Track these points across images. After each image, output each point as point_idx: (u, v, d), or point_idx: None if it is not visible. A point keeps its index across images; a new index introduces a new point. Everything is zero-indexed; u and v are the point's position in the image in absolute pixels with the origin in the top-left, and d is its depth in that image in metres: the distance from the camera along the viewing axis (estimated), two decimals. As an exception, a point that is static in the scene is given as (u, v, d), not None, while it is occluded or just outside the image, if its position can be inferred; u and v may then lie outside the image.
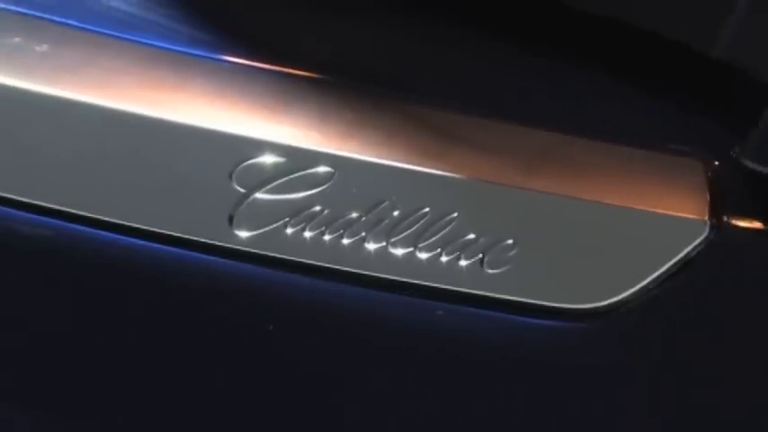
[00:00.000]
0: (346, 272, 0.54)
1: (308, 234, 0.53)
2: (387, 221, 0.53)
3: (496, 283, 0.53)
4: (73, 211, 0.57)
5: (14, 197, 0.58)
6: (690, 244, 0.52)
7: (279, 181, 0.54)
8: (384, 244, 0.53)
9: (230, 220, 0.54)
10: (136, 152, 0.56)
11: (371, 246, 0.53)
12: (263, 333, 0.59)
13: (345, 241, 0.54)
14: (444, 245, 0.53)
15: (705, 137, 0.54)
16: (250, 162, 0.54)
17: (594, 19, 0.59)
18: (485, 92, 0.57)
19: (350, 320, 0.57)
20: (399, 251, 0.53)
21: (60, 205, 0.57)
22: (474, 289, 0.53)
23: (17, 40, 0.57)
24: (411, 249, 0.53)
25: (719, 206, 0.52)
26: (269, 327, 0.58)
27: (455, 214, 0.53)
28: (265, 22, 0.60)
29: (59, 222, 0.58)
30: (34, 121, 0.57)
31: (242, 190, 0.53)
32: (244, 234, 0.54)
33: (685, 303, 0.54)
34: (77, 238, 0.59)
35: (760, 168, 0.51)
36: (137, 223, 0.56)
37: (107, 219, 0.57)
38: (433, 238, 0.53)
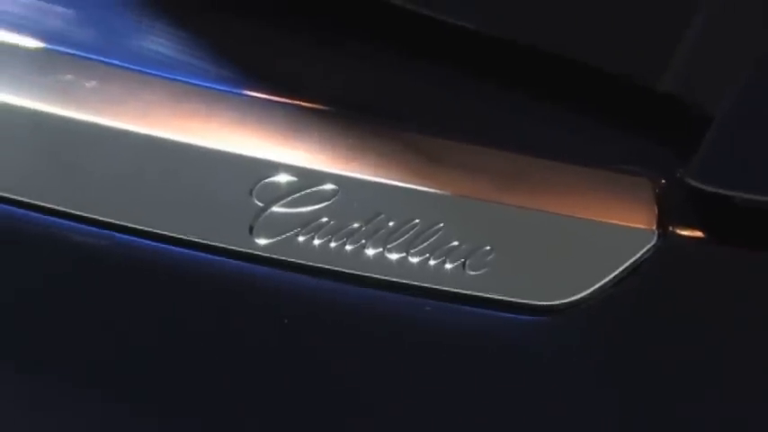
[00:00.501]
0: (349, 273, 0.57)
1: (316, 242, 0.56)
2: (383, 231, 0.56)
3: (477, 283, 0.56)
4: (119, 222, 0.60)
5: (70, 210, 0.61)
6: (640, 250, 0.56)
7: (292, 197, 0.57)
8: (381, 250, 0.56)
9: (250, 229, 0.57)
10: (171, 172, 0.59)
11: (370, 251, 0.56)
12: (278, 326, 0.61)
13: (348, 248, 0.56)
14: (432, 251, 0.56)
15: (655, 159, 0.57)
16: (267, 180, 0.57)
17: (563, 61, 0.61)
18: (465, 121, 0.60)
19: (351, 315, 0.60)
20: (394, 256, 0.56)
21: (108, 218, 0.61)
22: (457, 288, 0.56)
23: (70, 77, 0.61)
24: (404, 254, 0.56)
25: (666, 218, 0.56)
26: (283, 321, 0.60)
27: (441, 224, 0.56)
28: (280, 61, 0.63)
29: (108, 232, 0.61)
30: (84, 145, 0.61)
31: (260, 204, 0.57)
32: (262, 242, 0.57)
33: (637, 301, 0.57)
34: (123, 246, 0.61)
35: (701, 186, 0.54)
36: (171, 232, 0.59)
37: (146, 228, 0.60)
38: (423, 245, 0.56)
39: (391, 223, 0.56)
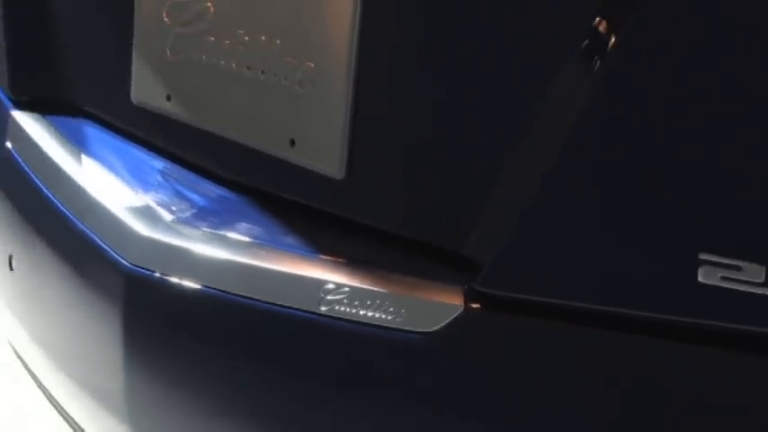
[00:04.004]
0: (352, 320, 0.71)
1: (342, 309, 0.71)
2: (364, 303, 0.71)
3: (397, 323, 0.70)
4: (270, 300, 0.72)
5: (247, 294, 0.73)
6: (456, 312, 0.67)
7: (334, 291, 0.72)
8: (365, 311, 0.71)
9: (318, 304, 0.72)
10: (288, 288, 0.73)
11: (361, 312, 0.71)
12: (326, 344, 0.73)
13: (352, 310, 0.71)
14: (378, 309, 0.70)
15: (466, 278, 0.68)
16: (325, 287, 0.73)
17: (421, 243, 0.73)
18: (382, 266, 0.73)
19: (351, 336, 0.72)
20: (361, 312, 0.71)
21: (266, 298, 0.73)
22: (389, 325, 0.70)
23: (255, 252, 0.78)
24: (367, 311, 0.70)
25: (467, 301, 0.68)
26: (328, 340, 0.71)
27: (378, 301, 0.70)
28: (326, 242, 0.77)
29: (264, 304, 0.73)
30: (258, 278, 0.75)
31: (323, 296, 0.72)
32: (323, 308, 0.72)
33: (457, 337, 0.68)
34: (265, 310, 0.73)
35: (481, 289, 0.67)
36: (292, 305, 0.72)
37: (283, 303, 0.72)
38: (374, 307, 0.70)
39: (368, 302, 0.71)
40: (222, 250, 0.79)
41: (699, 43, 0.57)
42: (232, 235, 0.80)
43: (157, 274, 0.79)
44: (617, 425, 0.63)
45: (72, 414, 0.94)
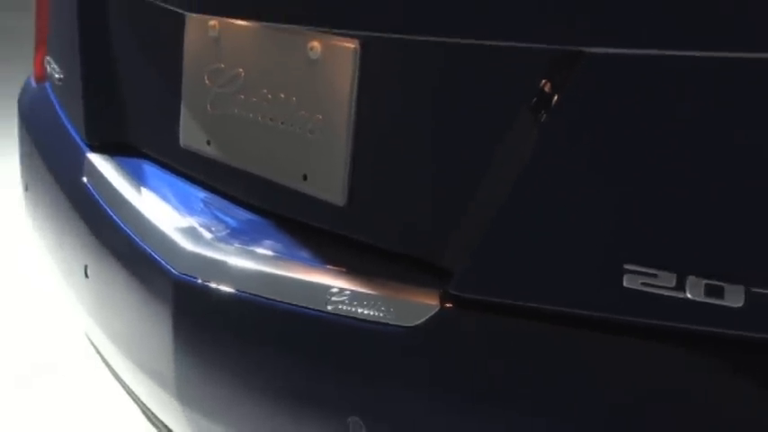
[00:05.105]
0: (350, 316, 0.75)
1: (344, 307, 0.75)
2: (362, 301, 0.74)
3: (388, 317, 0.73)
4: (289, 301, 0.78)
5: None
6: (433, 310, 0.71)
7: (338, 294, 0.76)
8: (360, 308, 0.74)
9: (325, 305, 0.76)
10: (301, 294, 0.77)
11: (358, 309, 0.75)
12: (328, 334, 0.76)
13: (350, 308, 0.75)
14: (371, 307, 0.73)
15: (442, 283, 0.72)
16: (331, 290, 0.76)
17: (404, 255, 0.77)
18: (376, 273, 0.76)
19: (348, 328, 0.75)
20: (359, 310, 0.75)
21: (292, 301, 0.77)
22: (380, 320, 0.73)
23: (278, 263, 0.81)
24: (363, 309, 0.74)
25: (443, 301, 0.72)
26: (331, 330, 0.74)
27: (372, 301, 0.73)
28: (331, 257, 0.81)
29: (291, 306, 0.77)
30: (281, 285, 0.77)
31: (328, 297, 0.76)
32: (329, 308, 0.76)
33: (435, 330, 0.71)
34: (285, 310, 0.76)
35: (454, 293, 0.71)
36: (310, 305, 0.75)
37: (311, 306, 0.75)
38: (368, 305, 0.74)
39: (365, 302, 0.75)
40: (250, 262, 0.83)
41: (623, 98, 0.62)
42: (258, 250, 0.84)
43: (200, 281, 0.84)
44: (565, 403, 0.66)
45: (138, 394, 0.98)
